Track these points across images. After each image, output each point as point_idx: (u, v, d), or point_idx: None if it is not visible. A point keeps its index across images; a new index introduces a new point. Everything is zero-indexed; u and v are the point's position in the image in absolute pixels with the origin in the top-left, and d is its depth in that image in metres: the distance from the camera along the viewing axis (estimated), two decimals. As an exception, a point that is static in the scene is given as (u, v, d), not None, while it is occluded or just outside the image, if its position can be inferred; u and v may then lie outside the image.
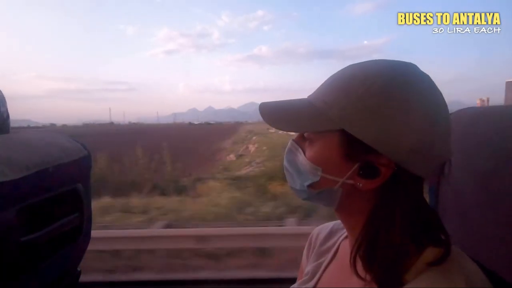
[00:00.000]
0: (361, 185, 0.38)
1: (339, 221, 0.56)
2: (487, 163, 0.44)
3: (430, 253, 0.37)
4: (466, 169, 0.48)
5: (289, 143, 0.46)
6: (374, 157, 0.37)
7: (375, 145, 0.36)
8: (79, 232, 0.67)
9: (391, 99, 0.36)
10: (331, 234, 0.57)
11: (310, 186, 0.42)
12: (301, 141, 0.44)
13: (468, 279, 0.34)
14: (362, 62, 0.41)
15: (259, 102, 0.47)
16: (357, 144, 0.37)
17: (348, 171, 0.39)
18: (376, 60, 0.41)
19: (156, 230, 2.75)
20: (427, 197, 0.58)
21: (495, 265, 0.42)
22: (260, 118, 0.44)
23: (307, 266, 0.56)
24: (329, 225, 0.59)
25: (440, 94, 0.39)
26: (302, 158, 0.42)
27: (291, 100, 0.46)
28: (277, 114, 0.45)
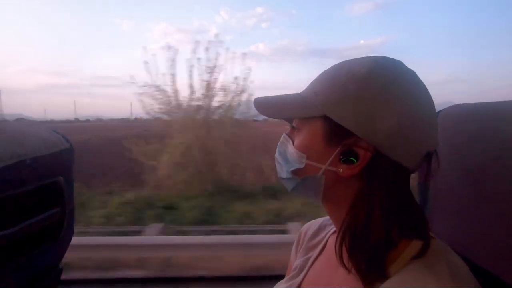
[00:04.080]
0: (341, 171, 0.39)
1: (328, 217, 0.56)
2: (478, 160, 0.44)
3: (415, 246, 0.37)
4: (457, 166, 0.48)
5: (281, 137, 0.48)
6: (353, 141, 0.38)
7: (353, 129, 0.38)
8: (60, 228, 0.64)
9: (371, 86, 0.38)
10: (319, 229, 0.57)
11: (295, 172, 0.43)
12: (292, 133, 0.46)
13: (452, 272, 0.34)
14: (352, 58, 0.43)
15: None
16: (338, 129, 0.39)
17: (330, 157, 0.40)
18: (364, 56, 0.43)
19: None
20: (416, 194, 0.59)
21: (487, 262, 0.42)
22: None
23: (295, 261, 0.56)
24: (318, 221, 0.59)
25: (424, 88, 0.40)
26: (290, 148, 0.44)
27: (283, 94, 0.48)
28: (268, 104, 0.47)
